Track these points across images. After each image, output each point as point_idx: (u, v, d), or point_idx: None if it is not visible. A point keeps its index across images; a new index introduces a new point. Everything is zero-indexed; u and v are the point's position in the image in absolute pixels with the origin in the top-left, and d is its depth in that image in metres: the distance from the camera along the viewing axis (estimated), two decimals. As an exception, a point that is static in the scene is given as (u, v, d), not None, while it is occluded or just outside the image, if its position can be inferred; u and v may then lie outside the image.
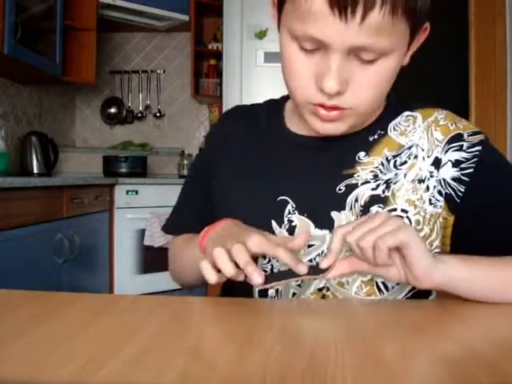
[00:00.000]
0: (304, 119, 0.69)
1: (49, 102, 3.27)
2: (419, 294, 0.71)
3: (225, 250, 0.59)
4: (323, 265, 0.58)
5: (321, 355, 0.44)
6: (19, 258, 1.90)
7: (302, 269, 0.57)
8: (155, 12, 3.18)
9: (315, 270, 0.58)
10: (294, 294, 0.71)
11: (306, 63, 0.61)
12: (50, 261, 2.15)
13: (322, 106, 0.63)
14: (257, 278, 0.56)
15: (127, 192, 2.93)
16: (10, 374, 0.39)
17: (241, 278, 0.58)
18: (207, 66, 3.57)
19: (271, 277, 0.57)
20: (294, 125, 0.78)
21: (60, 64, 2.73)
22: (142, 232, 2.89)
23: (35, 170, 2.77)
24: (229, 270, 0.58)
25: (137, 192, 2.95)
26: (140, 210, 2.92)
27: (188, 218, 0.86)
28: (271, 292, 0.72)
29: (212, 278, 0.59)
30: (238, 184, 0.77)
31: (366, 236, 0.56)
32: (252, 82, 2.93)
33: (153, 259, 2.93)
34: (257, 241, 0.59)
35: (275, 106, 0.82)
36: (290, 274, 0.57)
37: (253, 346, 0.46)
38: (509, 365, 0.42)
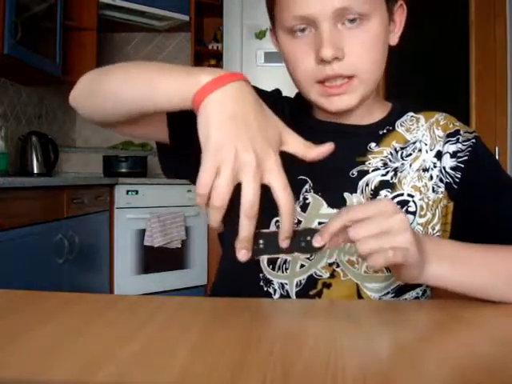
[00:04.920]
0: (316, 106, 0.75)
1: (49, 102, 3.27)
2: None
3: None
4: (316, 243, 0.54)
5: (321, 355, 0.44)
6: (19, 258, 1.90)
7: (285, 243, 0.53)
8: (155, 12, 3.18)
9: (307, 247, 0.54)
10: (302, 266, 0.73)
11: (302, 46, 0.68)
12: (50, 261, 2.15)
13: (327, 79, 0.68)
14: (242, 256, 0.52)
15: (127, 192, 2.93)
16: (10, 374, 0.39)
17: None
18: (207, 66, 3.57)
19: (261, 249, 0.53)
20: (315, 112, 0.81)
21: (60, 64, 2.73)
22: (142, 232, 2.89)
23: (35, 170, 2.77)
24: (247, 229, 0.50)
25: (137, 192, 2.95)
26: (140, 210, 2.92)
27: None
28: (280, 261, 0.73)
29: (216, 224, 0.51)
30: None
31: (368, 241, 0.53)
32: (252, 82, 2.93)
33: (153, 259, 2.93)
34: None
35: (297, 99, 0.82)
36: (281, 249, 0.53)
37: (253, 346, 0.46)
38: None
